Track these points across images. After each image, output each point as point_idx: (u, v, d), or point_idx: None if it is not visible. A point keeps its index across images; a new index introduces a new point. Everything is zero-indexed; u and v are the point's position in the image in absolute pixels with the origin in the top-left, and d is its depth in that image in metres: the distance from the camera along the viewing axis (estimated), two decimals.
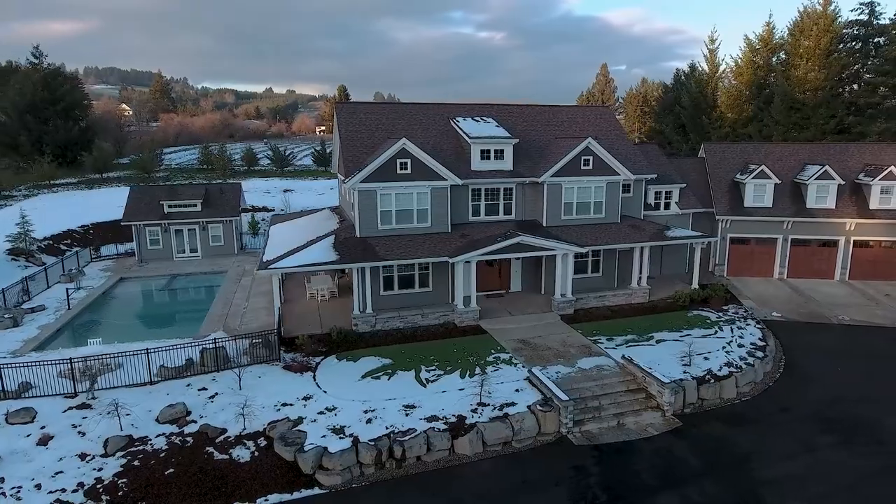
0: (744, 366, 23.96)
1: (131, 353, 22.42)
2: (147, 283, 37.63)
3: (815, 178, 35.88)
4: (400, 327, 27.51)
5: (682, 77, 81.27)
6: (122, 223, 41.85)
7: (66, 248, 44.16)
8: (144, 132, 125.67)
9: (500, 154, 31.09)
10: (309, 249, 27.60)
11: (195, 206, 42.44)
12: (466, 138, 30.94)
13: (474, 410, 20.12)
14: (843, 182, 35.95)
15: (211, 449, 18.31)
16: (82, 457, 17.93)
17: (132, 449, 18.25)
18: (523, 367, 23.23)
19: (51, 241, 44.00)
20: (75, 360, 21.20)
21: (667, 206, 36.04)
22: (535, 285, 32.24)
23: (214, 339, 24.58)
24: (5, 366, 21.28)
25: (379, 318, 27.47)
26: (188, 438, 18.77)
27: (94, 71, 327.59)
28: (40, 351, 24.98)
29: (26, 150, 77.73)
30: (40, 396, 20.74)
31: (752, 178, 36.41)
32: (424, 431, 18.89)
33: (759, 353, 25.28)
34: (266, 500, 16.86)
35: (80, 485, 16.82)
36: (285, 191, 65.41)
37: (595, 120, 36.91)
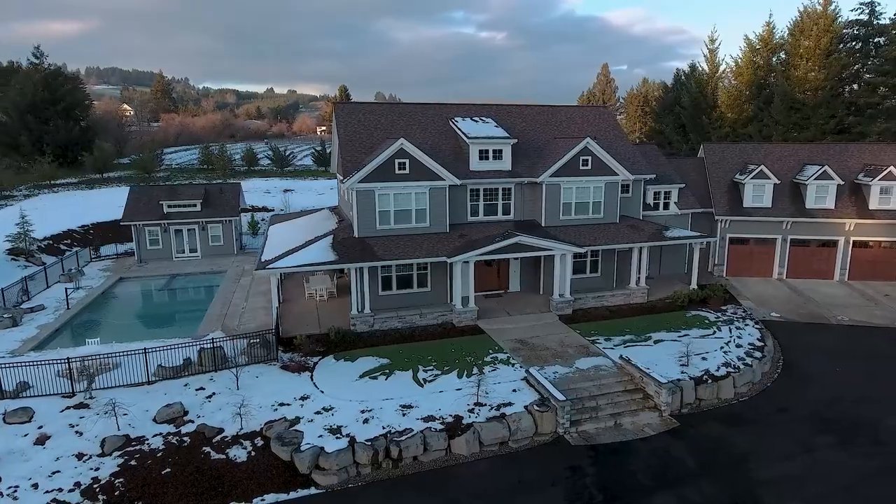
0: (742, 366, 23.94)
1: (129, 352, 22.44)
2: (146, 283, 37.68)
3: (815, 179, 35.84)
4: (398, 327, 27.52)
5: (682, 77, 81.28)
6: (121, 223, 41.91)
7: (65, 247, 44.22)
8: (145, 132, 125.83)
9: (498, 154, 31.09)
10: (307, 249, 27.62)
11: (195, 206, 42.49)
12: (465, 138, 30.94)
13: (471, 410, 20.12)
14: (842, 182, 35.92)
15: (208, 449, 18.33)
16: (79, 456, 17.95)
17: (129, 448, 18.27)
18: (521, 367, 23.22)
19: (51, 241, 44.06)
20: (73, 359, 21.24)
21: (666, 206, 36.02)
22: (533, 285, 32.23)
23: (212, 338, 24.62)
24: (3, 365, 21.31)
25: (377, 318, 27.48)
26: (185, 438, 18.78)
27: (96, 71, 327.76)
28: (39, 351, 25.01)
29: (27, 150, 77.93)
30: (38, 396, 20.78)
31: (752, 178, 36.38)
32: (421, 431, 18.89)
33: (758, 354, 25.25)
34: (262, 499, 16.86)
35: (77, 484, 16.84)
36: (285, 191, 65.50)
37: (594, 120, 36.90)
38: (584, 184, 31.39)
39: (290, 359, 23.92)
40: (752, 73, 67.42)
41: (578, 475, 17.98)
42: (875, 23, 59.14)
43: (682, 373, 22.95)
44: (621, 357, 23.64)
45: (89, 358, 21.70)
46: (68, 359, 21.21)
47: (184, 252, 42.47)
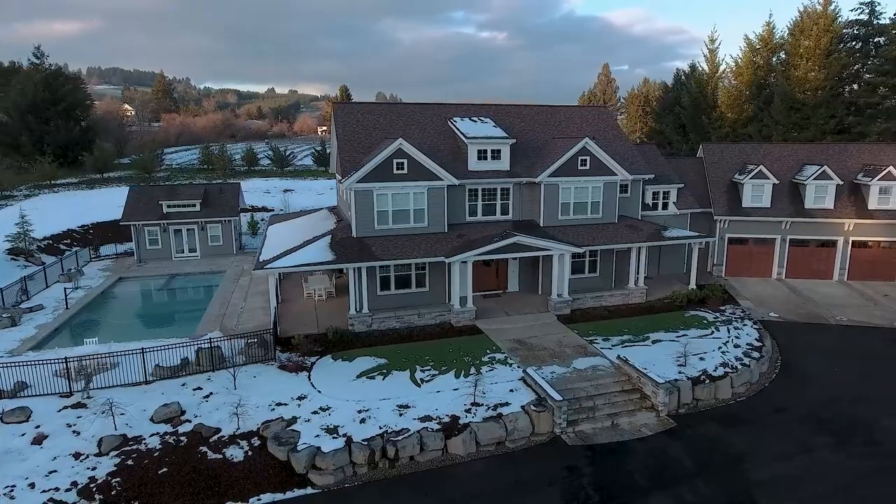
0: (739, 366, 23.93)
1: (127, 352, 22.45)
2: (146, 283, 37.71)
3: (814, 179, 35.82)
4: (396, 327, 27.53)
5: (683, 77, 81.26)
6: (120, 223, 41.95)
7: (65, 247, 44.27)
8: (146, 132, 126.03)
9: (497, 154, 31.10)
10: (305, 249, 27.64)
11: (194, 206, 42.52)
12: (463, 138, 30.95)
13: (468, 410, 20.12)
14: (841, 182, 35.89)
15: (205, 448, 18.35)
16: (76, 456, 17.97)
17: (126, 448, 18.29)
18: (518, 367, 23.23)
19: (50, 241, 44.10)
20: (71, 359, 21.28)
21: (665, 206, 36.00)
22: (532, 285, 32.23)
23: (210, 338, 24.64)
24: (1, 365, 21.38)
25: (375, 318, 27.50)
26: (182, 438, 18.80)
27: (98, 71, 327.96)
28: (37, 350, 25.03)
29: (27, 150, 78.07)
30: (36, 396, 20.81)
31: (751, 178, 36.36)
32: (418, 431, 18.89)
33: (756, 354, 25.24)
34: (259, 499, 16.88)
35: (74, 484, 16.86)
36: (285, 191, 65.53)
37: (593, 120, 36.90)
38: (582, 184, 31.39)
39: (288, 359, 23.94)
40: (752, 73, 67.39)
41: (575, 475, 17.98)
42: (875, 23, 59.12)
43: (680, 373, 22.94)
44: (619, 357, 23.64)
45: (87, 358, 21.74)
46: (66, 358, 21.26)
47: (183, 252, 42.51)
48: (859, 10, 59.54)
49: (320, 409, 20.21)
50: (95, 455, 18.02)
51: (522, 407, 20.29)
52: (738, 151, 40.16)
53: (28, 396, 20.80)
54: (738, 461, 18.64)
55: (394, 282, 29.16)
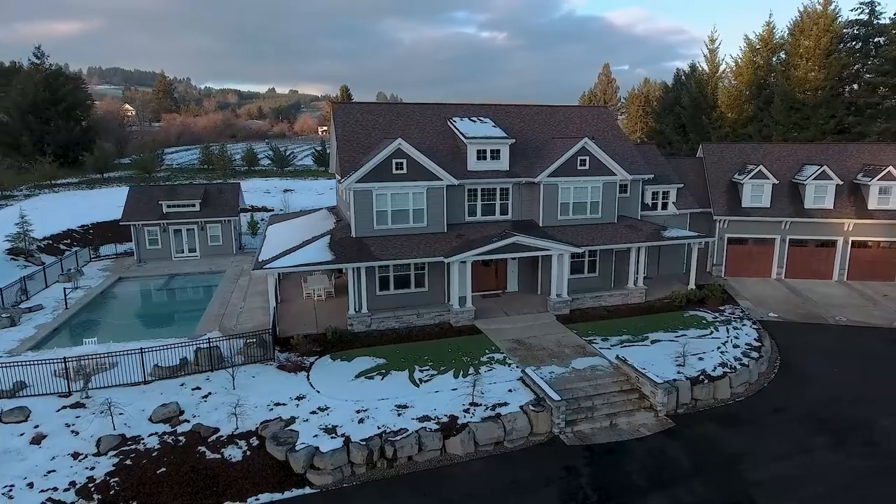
0: (738, 366, 23.92)
1: (125, 352, 22.48)
2: (145, 283, 37.73)
3: (813, 179, 35.80)
4: (395, 327, 27.54)
5: (683, 77, 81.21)
6: (120, 223, 41.97)
7: (65, 247, 44.29)
8: (146, 132, 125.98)
9: (496, 154, 31.10)
10: (304, 249, 27.65)
11: (194, 206, 42.54)
12: (463, 138, 30.95)
13: (466, 410, 20.13)
14: (841, 182, 35.88)
15: (203, 448, 18.36)
16: (75, 456, 17.98)
17: (125, 448, 18.31)
18: (517, 367, 23.23)
19: (50, 241, 44.12)
20: (70, 359, 21.29)
21: (664, 206, 35.99)
22: (531, 285, 32.22)
23: (209, 338, 24.66)
24: (0, 365, 21.38)
25: (374, 318, 27.50)
26: (181, 438, 18.81)
27: (98, 71, 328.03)
28: (36, 350, 25.04)
29: (28, 150, 78.15)
30: (35, 395, 20.82)
31: (750, 178, 36.35)
32: (416, 431, 18.90)
33: (755, 354, 25.23)
34: (257, 499, 16.89)
35: (72, 483, 16.87)
36: (285, 191, 65.52)
37: (592, 120, 36.89)
38: (581, 184, 31.39)
39: (287, 359, 23.95)
40: (752, 73, 67.34)
41: (573, 475, 17.98)
42: (875, 23, 59.08)
43: (679, 373, 22.93)
44: (618, 357, 23.63)
45: (86, 357, 21.77)
46: (65, 358, 21.28)
47: (183, 252, 42.53)
48: (859, 10, 59.55)
49: (319, 409, 20.22)
50: (94, 455, 18.04)
51: (521, 407, 20.29)
52: (737, 151, 40.14)
53: (27, 396, 20.82)
54: (737, 461, 18.64)
55: (393, 282, 29.16)
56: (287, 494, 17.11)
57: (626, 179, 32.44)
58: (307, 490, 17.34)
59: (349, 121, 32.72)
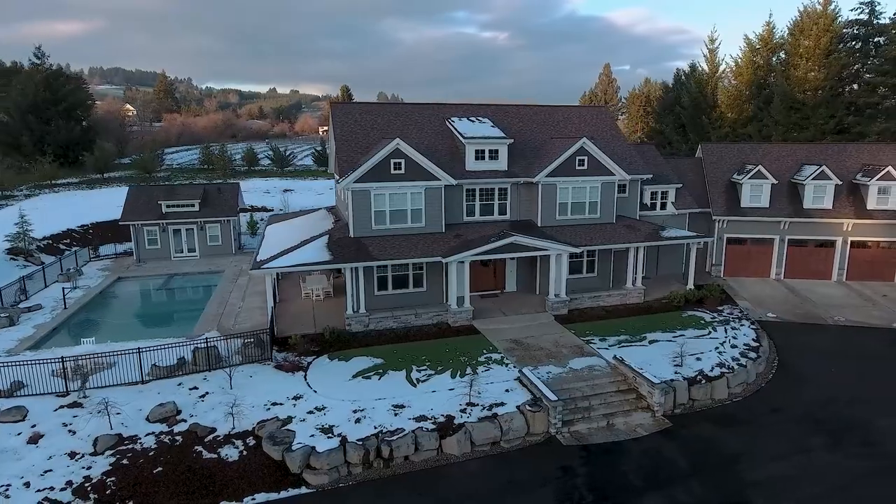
0: (736, 366, 23.90)
1: (123, 352, 22.49)
2: (144, 283, 37.77)
3: (812, 179, 35.77)
4: (393, 327, 27.54)
5: (683, 77, 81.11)
6: (120, 223, 42.02)
7: (65, 247, 44.35)
8: (147, 132, 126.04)
9: (494, 154, 31.10)
10: (302, 249, 27.66)
11: (193, 205, 42.58)
12: (461, 138, 30.95)
13: (463, 410, 20.13)
14: (840, 182, 35.85)
15: (200, 448, 18.37)
16: (72, 455, 17.99)
17: (121, 448, 18.32)
18: (514, 367, 23.22)
19: (50, 241, 44.18)
20: (67, 359, 21.31)
21: (663, 206, 35.97)
22: (530, 285, 32.23)
23: (207, 338, 24.67)
24: None
25: (372, 318, 27.51)
26: (177, 437, 18.82)
27: (99, 71, 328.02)
28: (35, 350, 25.07)
29: (28, 150, 78.24)
30: (32, 395, 20.85)
31: (749, 178, 36.32)
32: (413, 431, 18.90)
33: (752, 354, 25.21)
34: (253, 499, 16.90)
35: (69, 483, 16.88)
36: (285, 191, 65.55)
37: (591, 120, 36.88)
38: (580, 184, 31.38)
39: (285, 358, 23.96)
40: (752, 73, 67.32)
41: (569, 475, 17.98)
42: (875, 22, 59.05)
43: (676, 373, 22.92)
44: (615, 357, 23.62)
45: (84, 357, 21.79)
46: (63, 358, 21.28)
47: (182, 252, 42.57)
48: (859, 10, 59.53)
49: (316, 408, 20.23)
50: (91, 454, 18.04)
51: (518, 407, 20.28)
52: (736, 151, 40.12)
53: (24, 396, 20.85)
54: (734, 461, 18.63)
55: (391, 282, 29.18)
56: (283, 494, 17.11)
57: (625, 179, 32.43)
58: (303, 490, 17.34)
59: (348, 121, 32.73)
